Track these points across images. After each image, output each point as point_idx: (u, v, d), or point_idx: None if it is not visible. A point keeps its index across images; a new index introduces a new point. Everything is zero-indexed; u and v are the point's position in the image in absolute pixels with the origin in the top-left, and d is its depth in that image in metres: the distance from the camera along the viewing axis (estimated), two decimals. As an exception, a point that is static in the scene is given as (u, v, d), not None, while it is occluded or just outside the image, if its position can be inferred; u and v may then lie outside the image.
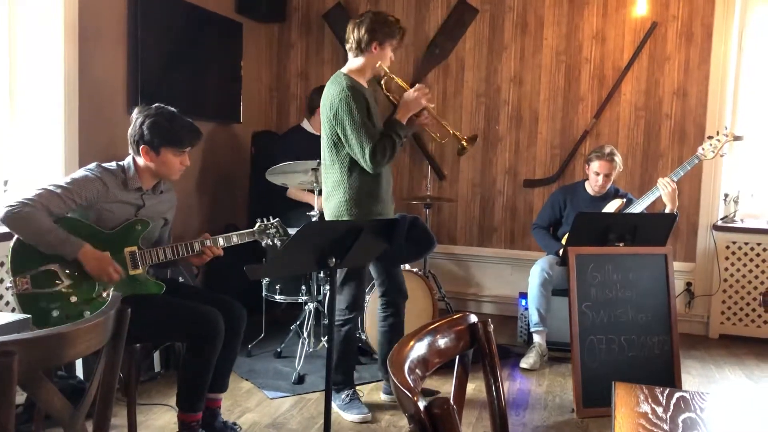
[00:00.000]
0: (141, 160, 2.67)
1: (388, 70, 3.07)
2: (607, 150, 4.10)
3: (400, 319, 3.30)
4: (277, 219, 2.97)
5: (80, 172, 2.60)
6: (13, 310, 2.90)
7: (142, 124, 2.63)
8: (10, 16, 3.32)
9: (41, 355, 1.31)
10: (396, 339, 3.22)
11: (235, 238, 2.82)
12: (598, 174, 4.10)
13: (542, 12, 4.90)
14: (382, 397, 3.36)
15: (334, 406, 3.16)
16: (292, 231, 3.05)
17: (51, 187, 2.48)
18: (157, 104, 2.71)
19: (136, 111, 2.70)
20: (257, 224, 2.93)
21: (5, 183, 3.33)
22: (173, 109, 2.71)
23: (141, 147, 2.63)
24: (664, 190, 3.88)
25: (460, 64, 5.07)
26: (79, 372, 3.09)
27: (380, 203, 3.11)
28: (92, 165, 2.65)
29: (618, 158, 4.11)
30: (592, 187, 4.17)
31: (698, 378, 3.87)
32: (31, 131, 3.41)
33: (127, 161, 2.70)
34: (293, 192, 4.46)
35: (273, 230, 2.93)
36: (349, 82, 2.99)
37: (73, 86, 3.45)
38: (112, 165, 2.67)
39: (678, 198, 3.98)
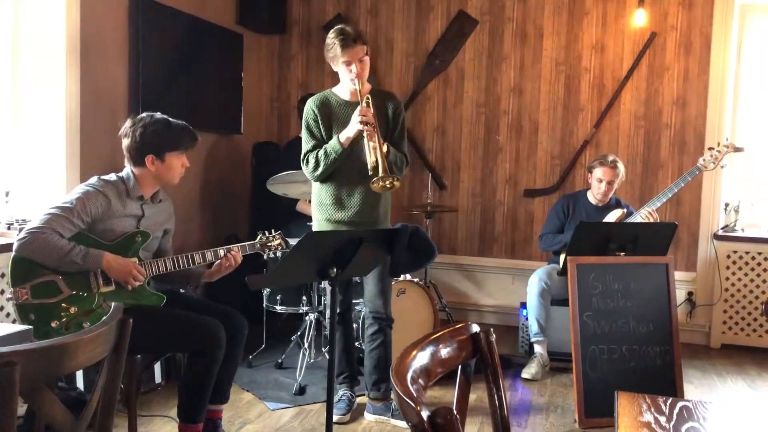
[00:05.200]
0: (142, 170, 2.68)
1: (357, 85, 3.04)
2: (611, 158, 4.11)
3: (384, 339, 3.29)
4: (279, 231, 2.97)
5: (81, 188, 2.59)
6: (14, 321, 2.90)
7: (142, 134, 2.63)
8: (14, 29, 3.34)
9: (43, 366, 1.31)
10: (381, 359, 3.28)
11: (236, 250, 2.82)
12: (600, 181, 4.10)
13: (542, 22, 4.92)
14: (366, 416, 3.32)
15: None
16: (293, 242, 3.05)
17: (56, 211, 2.47)
18: (146, 113, 2.71)
19: (128, 124, 2.69)
20: (259, 237, 2.93)
21: (7, 194, 3.34)
22: (163, 114, 2.72)
23: (147, 157, 2.64)
24: (646, 221, 3.92)
25: (460, 75, 5.09)
26: (80, 383, 3.08)
27: (343, 210, 3.15)
28: (92, 179, 2.64)
29: (621, 166, 4.12)
30: (594, 194, 4.17)
31: (700, 388, 3.85)
32: (34, 142, 3.42)
33: (126, 172, 2.70)
34: (302, 206, 4.42)
35: (275, 243, 2.93)
36: (320, 98, 3.17)
37: (74, 98, 3.46)
38: (112, 177, 2.68)
39: (678, 208, 3.99)
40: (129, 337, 1.52)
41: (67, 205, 2.50)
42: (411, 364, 1.16)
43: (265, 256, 2.93)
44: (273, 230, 2.98)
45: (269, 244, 2.92)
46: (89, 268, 2.48)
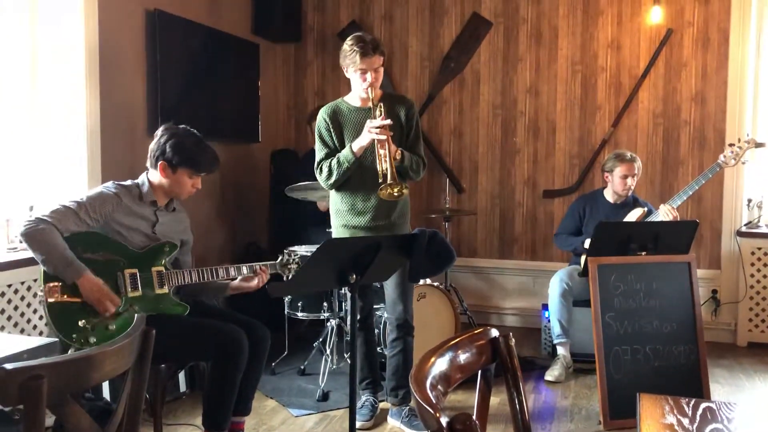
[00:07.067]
0: (155, 176, 2.73)
1: (370, 94, 3.06)
2: (628, 154, 4.13)
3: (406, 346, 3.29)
4: (300, 256, 3.00)
5: (96, 189, 2.69)
6: (46, 324, 2.95)
7: (166, 141, 2.69)
8: (34, 45, 3.40)
9: (69, 379, 1.33)
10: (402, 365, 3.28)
11: (264, 268, 2.86)
12: (625, 177, 4.09)
13: (556, 22, 4.90)
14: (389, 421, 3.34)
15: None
16: (312, 248, 3.07)
17: (68, 203, 2.54)
18: (184, 126, 2.77)
19: (162, 128, 2.76)
20: (279, 258, 2.96)
21: (31, 208, 3.39)
22: (199, 134, 2.77)
23: (160, 162, 2.69)
24: (665, 218, 3.87)
25: (476, 77, 5.09)
26: (106, 393, 3.12)
27: (359, 216, 3.17)
28: (108, 183, 2.73)
29: (637, 157, 4.15)
30: (619, 192, 4.15)
31: (727, 387, 3.81)
32: (55, 157, 3.48)
33: (142, 178, 2.76)
34: (321, 205, 4.48)
35: (294, 266, 2.95)
36: (331, 107, 3.21)
37: (94, 112, 3.52)
38: (127, 182, 2.75)
39: (699, 205, 3.95)
40: (152, 348, 1.55)
41: (78, 200, 2.57)
42: (430, 371, 1.17)
43: (284, 278, 2.95)
44: (293, 254, 3.00)
45: (289, 266, 2.95)
46: (65, 277, 2.45)
